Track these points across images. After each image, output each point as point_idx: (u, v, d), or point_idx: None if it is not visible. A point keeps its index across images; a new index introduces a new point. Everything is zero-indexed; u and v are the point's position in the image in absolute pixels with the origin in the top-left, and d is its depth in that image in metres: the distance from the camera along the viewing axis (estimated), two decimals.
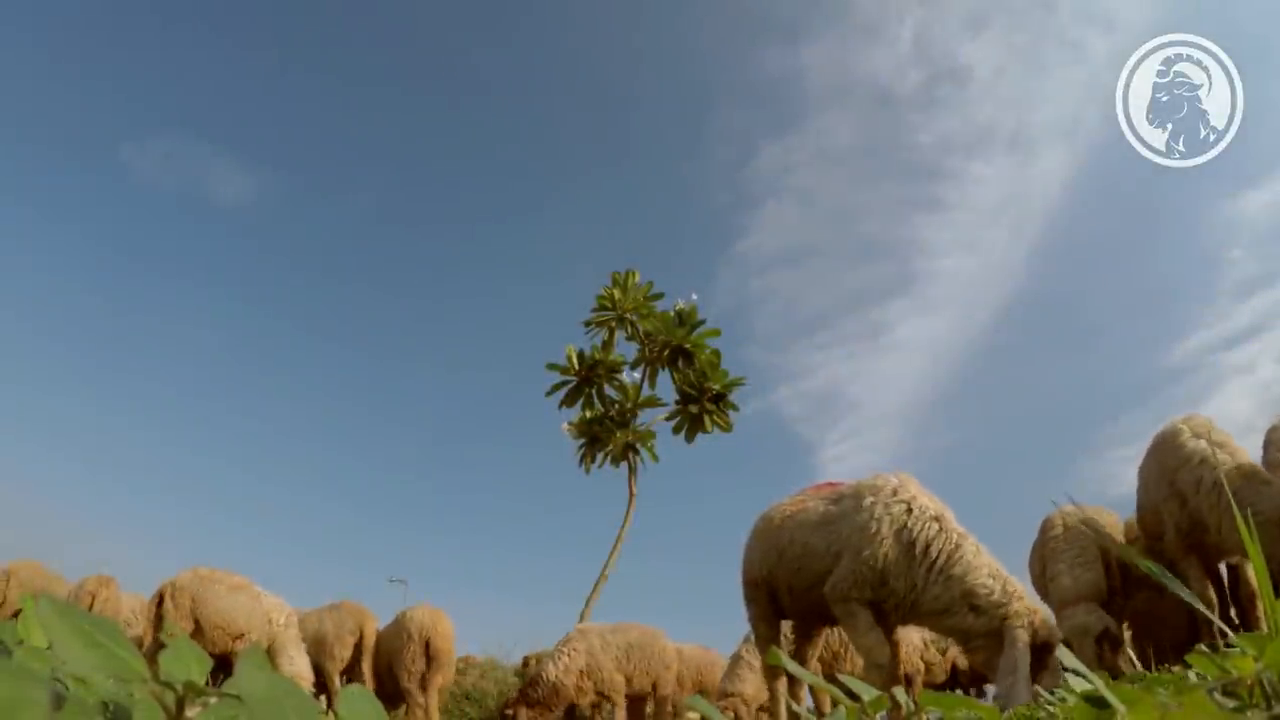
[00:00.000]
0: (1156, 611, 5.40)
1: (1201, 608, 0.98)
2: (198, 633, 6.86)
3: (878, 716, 0.93)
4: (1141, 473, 5.20)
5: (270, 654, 6.88)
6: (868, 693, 0.92)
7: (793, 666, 0.98)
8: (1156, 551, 5.32)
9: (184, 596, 6.96)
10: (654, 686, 7.97)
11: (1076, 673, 0.92)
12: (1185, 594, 0.94)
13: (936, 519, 4.05)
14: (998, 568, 3.95)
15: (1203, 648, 1.01)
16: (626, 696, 8.05)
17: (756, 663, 6.82)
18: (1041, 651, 3.71)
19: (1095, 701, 0.91)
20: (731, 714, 6.67)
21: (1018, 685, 3.43)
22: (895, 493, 4.20)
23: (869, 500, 4.21)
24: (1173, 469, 4.78)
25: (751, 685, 6.97)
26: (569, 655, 7.64)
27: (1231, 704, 0.90)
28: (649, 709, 8.25)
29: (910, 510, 4.08)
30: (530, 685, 7.63)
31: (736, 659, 7.35)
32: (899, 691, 0.92)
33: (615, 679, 7.70)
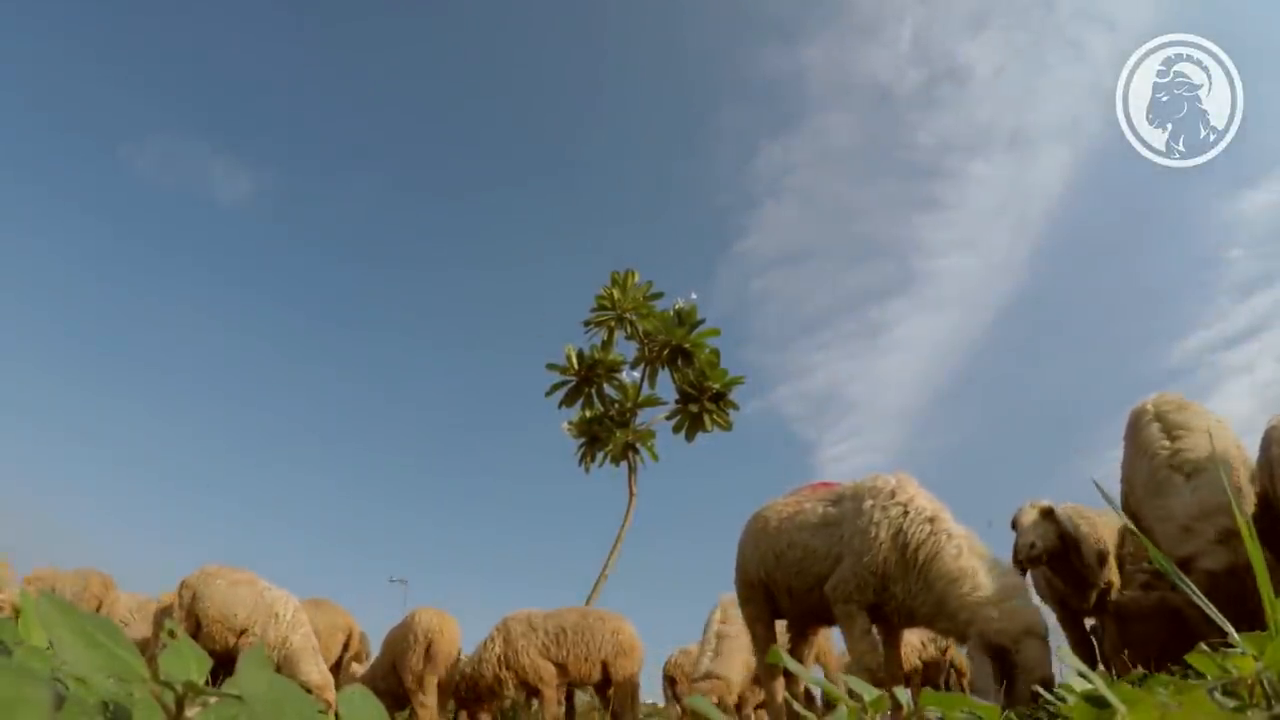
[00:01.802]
0: (1139, 610, 5.03)
1: (1211, 609, 0.97)
2: (198, 630, 6.88)
3: (879, 717, 0.93)
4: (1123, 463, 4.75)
5: (288, 660, 6.88)
6: (869, 692, 0.92)
7: (794, 665, 0.98)
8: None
9: (187, 594, 7.01)
10: (607, 673, 7.40)
11: (1079, 672, 0.91)
12: (1197, 596, 0.93)
13: (930, 520, 3.99)
14: (973, 570, 3.78)
15: (1203, 647, 1.01)
16: (590, 686, 7.66)
17: (742, 638, 6.01)
18: (999, 655, 3.52)
19: (1095, 701, 0.91)
20: (715, 700, 5.92)
21: (987, 697, 3.37)
22: (893, 494, 4.16)
23: (869, 503, 4.19)
24: (1132, 457, 4.41)
25: (736, 670, 6.12)
26: (485, 646, 7.49)
27: (1231, 704, 0.89)
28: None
29: (907, 512, 4.04)
30: (459, 683, 7.57)
31: (717, 636, 6.48)
32: (900, 691, 0.92)
33: (541, 666, 7.28)
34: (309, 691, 6.50)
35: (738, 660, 6.11)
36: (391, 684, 7.54)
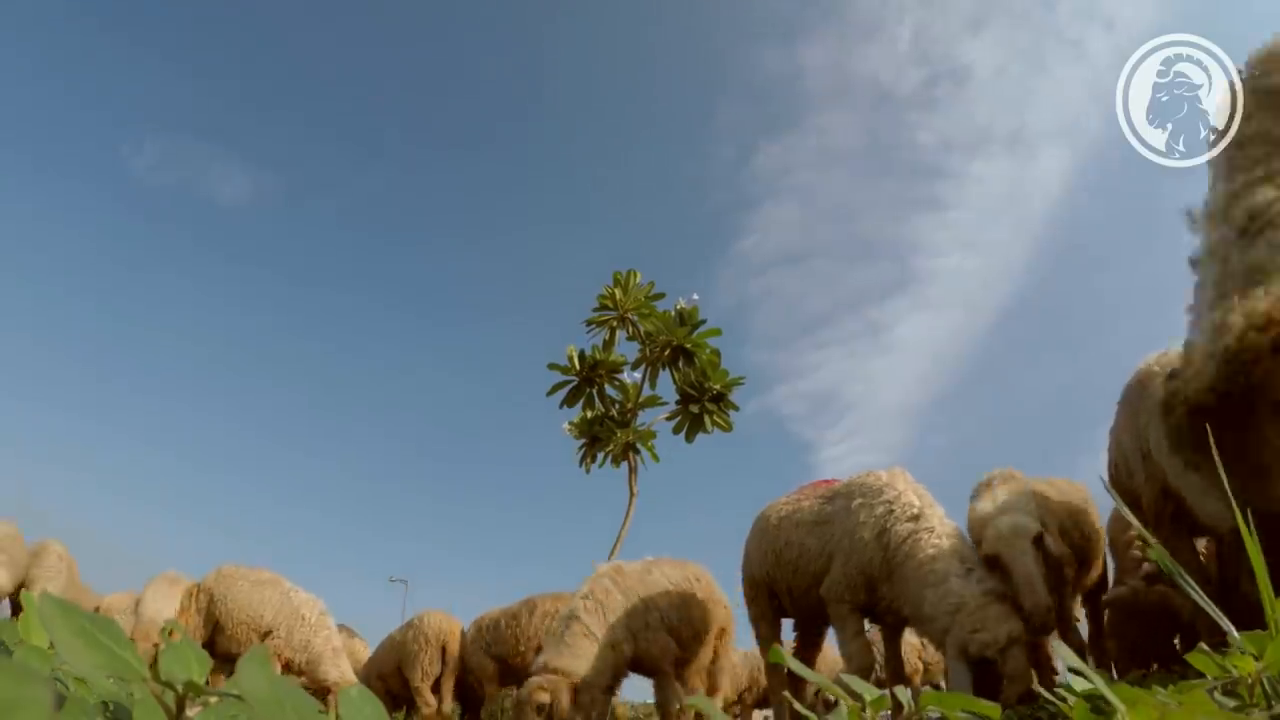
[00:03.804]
0: (1136, 606, 4.50)
1: (1215, 612, 0.97)
2: (220, 631, 6.90)
3: (879, 716, 0.93)
4: (1113, 429, 4.04)
5: (309, 663, 6.90)
6: (870, 692, 0.92)
7: (795, 665, 0.98)
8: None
9: (203, 597, 7.02)
10: None
11: (1077, 672, 0.91)
12: (1194, 590, 0.92)
13: (913, 518, 3.87)
14: (947, 573, 3.61)
15: (1203, 646, 1.01)
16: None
17: (597, 629, 4.80)
18: (981, 664, 3.33)
19: (1096, 701, 0.91)
20: (545, 695, 4.50)
21: None
22: (880, 492, 4.07)
23: (857, 501, 4.13)
24: (1131, 418, 3.78)
25: (584, 662, 4.72)
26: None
27: (1231, 704, 0.89)
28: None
29: (892, 510, 3.95)
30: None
31: (572, 619, 4.89)
32: (901, 691, 0.92)
33: (483, 664, 7.29)
34: (328, 692, 6.38)
35: (587, 649, 4.75)
36: (393, 685, 7.58)
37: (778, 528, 4.69)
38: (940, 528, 3.82)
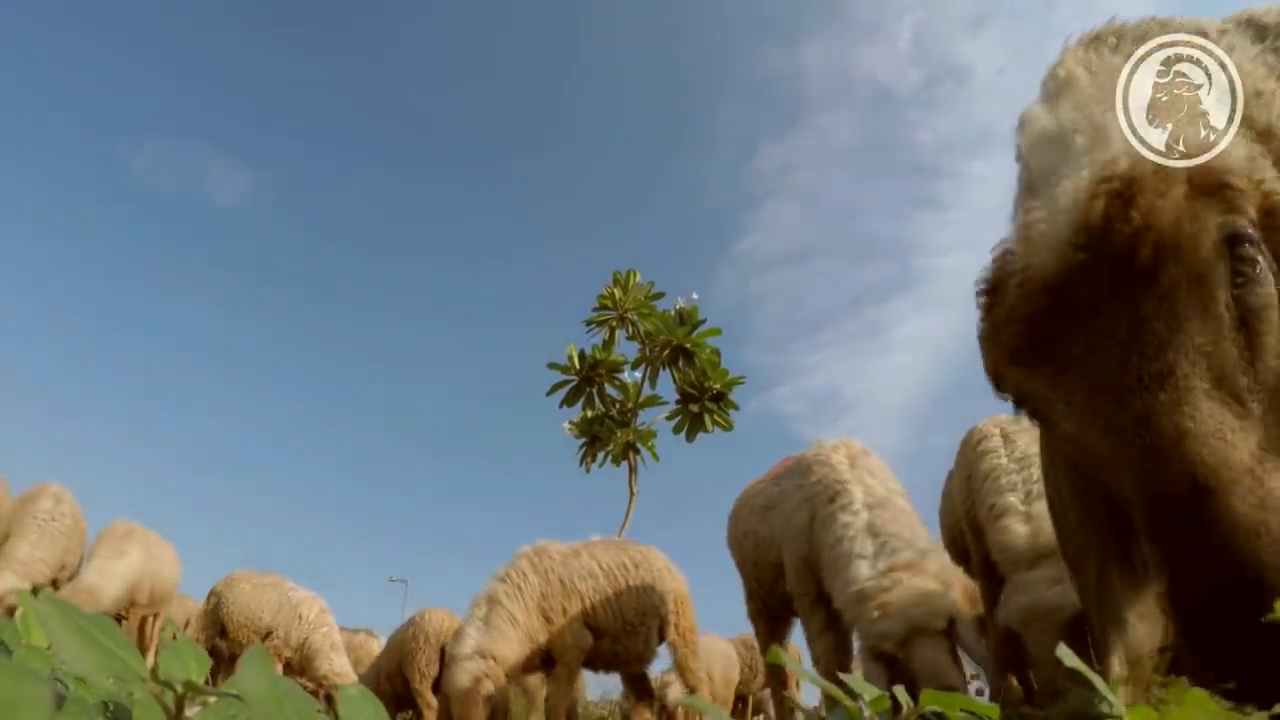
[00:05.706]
0: None
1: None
2: (224, 634, 7.11)
3: (877, 716, 0.93)
4: None
5: (307, 659, 7.05)
6: (869, 691, 0.92)
7: (792, 664, 0.98)
8: None
9: (213, 600, 7.30)
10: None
11: (1075, 670, 0.91)
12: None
13: (832, 499, 3.36)
14: (852, 554, 3.11)
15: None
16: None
17: (519, 614, 4.51)
18: (890, 662, 2.87)
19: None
20: (490, 683, 4.35)
21: None
22: (810, 470, 3.58)
23: (796, 482, 3.71)
24: None
25: (512, 648, 4.47)
26: None
27: (1230, 704, 0.89)
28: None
29: (817, 491, 3.50)
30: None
31: (493, 602, 4.57)
32: (900, 691, 0.92)
33: None
34: (322, 686, 6.58)
35: (513, 633, 4.47)
36: (396, 685, 7.55)
37: (737, 516, 4.39)
38: (860, 500, 3.28)
